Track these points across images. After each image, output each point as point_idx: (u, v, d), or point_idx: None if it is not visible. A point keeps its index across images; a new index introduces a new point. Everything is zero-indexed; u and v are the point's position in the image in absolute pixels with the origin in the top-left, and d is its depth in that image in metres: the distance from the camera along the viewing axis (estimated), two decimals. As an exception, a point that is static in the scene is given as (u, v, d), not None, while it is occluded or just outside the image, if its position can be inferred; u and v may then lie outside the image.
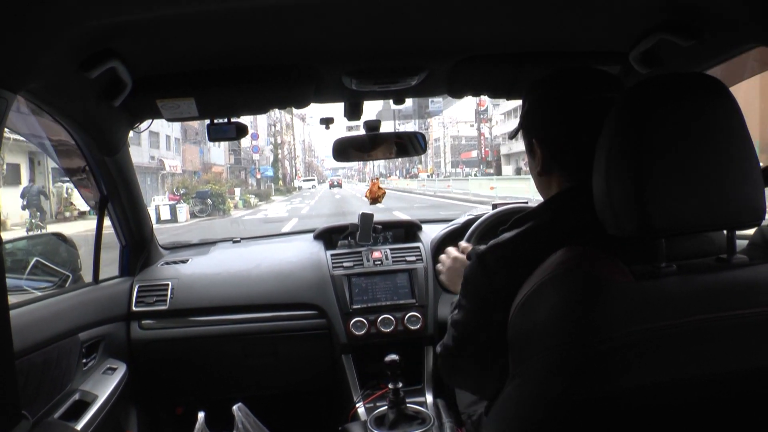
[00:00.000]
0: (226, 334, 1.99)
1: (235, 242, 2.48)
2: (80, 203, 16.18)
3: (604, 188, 0.78)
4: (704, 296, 0.74)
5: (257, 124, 38.90)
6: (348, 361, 1.99)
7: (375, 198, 2.84)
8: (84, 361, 1.60)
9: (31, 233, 10.04)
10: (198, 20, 1.12)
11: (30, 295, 1.53)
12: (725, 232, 0.79)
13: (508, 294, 0.83)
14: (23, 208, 14.07)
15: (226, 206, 21.32)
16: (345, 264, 2.10)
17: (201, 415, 1.76)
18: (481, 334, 0.93)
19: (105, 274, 1.92)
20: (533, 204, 1.47)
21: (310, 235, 2.37)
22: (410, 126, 44.38)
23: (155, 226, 2.23)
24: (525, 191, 14.76)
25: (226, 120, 1.66)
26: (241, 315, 2.00)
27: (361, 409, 1.89)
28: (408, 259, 2.13)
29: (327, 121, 1.89)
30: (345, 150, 1.88)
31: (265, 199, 30.73)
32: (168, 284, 2.02)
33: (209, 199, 20.33)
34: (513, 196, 13.14)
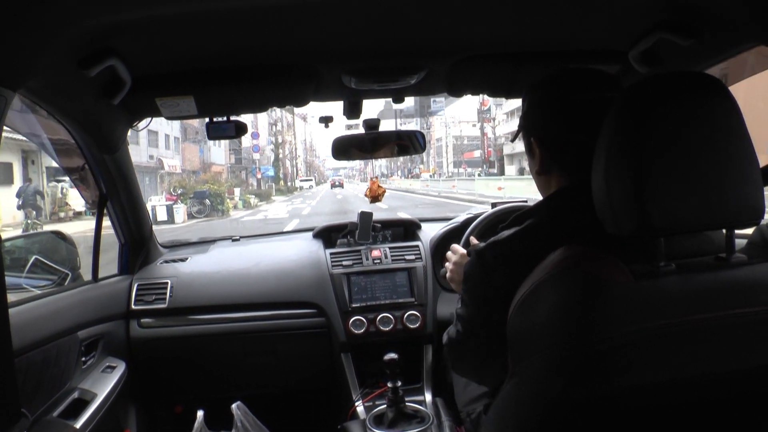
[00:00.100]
0: (225, 333, 1.99)
1: (234, 241, 2.48)
2: (76, 203, 15.94)
3: (603, 187, 0.78)
4: (703, 295, 0.74)
5: (258, 123, 38.76)
6: (347, 360, 1.99)
7: (375, 196, 2.86)
8: (83, 359, 1.60)
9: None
10: (197, 19, 1.12)
11: (29, 294, 1.53)
12: (724, 231, 0.79)
13: (507, 291, 0.83)
14: (19, 207, 13.67)
15: (225, 207, 21.19)
16: (344, 262, 2.10)
17: (200, 413, 1.76)
18: (482, 331, 0.94)
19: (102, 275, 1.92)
20: (532, 203, 1.47)
21: (310, 234, 2.37)
22: (412, 125, 44.44)
23: (152, 227, 2.22)
24: (534, 192, 14.66)
25: (225, 118, 1.66)
26: (240, 313, 2.00)
27: (360, 408, 1.89)
28: (407, 257, 2.13)
29: (326, 120, 1.88)
30: (344, 148, 1.88)
31: (266, 200, 30.58)
32: (167, 282, 2.02)
33: (207, 200, 20.18)
34: (522, 197, 13.01)
